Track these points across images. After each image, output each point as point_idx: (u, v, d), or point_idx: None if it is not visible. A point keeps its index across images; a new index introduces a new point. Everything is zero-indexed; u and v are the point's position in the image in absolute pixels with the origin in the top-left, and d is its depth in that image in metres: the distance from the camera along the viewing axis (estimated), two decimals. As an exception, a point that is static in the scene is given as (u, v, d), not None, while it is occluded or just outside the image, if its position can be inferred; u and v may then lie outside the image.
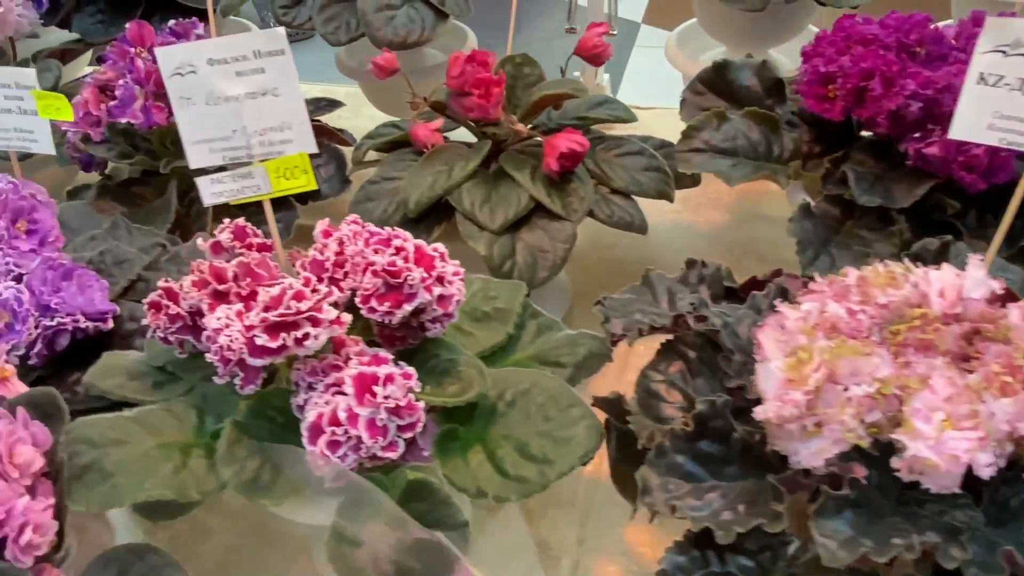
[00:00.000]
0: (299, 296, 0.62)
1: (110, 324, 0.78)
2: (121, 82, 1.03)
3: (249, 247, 0.72)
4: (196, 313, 0.68)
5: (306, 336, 0.61)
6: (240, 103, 0.69)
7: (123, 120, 1.01)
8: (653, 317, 0.77)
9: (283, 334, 0.61)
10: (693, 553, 0.58)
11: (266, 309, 0.63)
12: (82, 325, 0.76)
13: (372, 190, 1.01)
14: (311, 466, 0.62)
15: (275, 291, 0.62)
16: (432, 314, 0.67)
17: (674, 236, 1.27)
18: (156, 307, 0.69)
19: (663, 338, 0.73)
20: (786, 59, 1.40)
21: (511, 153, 0.98)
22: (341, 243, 0.70)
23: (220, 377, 0.63)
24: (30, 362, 0.75)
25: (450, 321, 0.69)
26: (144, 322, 0.77)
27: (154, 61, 1.04)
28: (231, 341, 0.62)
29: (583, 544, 0.85)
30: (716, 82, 0.99)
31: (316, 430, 0.62)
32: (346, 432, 0.61)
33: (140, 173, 1.13)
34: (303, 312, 0.61)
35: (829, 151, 0.94)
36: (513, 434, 0.67)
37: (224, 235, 0.71)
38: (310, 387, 0.65)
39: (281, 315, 0.61)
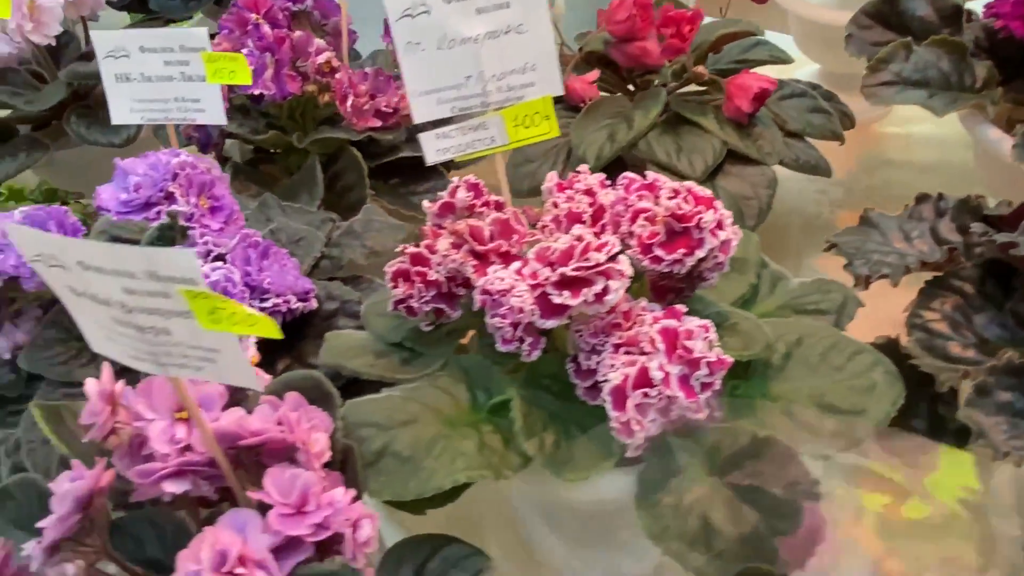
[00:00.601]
0: (589, 249, 0.56)
1: (313, 303, 0.72)
2: (246, 52, 0.95)
3: (487, 205, 0.66)
4: (450, 279, 0.62)
5: (605, 291, 0.56)
6: (478, 44, 0.62)
7: (255, 92, 0.94)
8: (897, 256, 0.72)
9: (584, 289, 0.55)
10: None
11: (551, 265, 0.57)
12: (293, 305, 0.69)
13: (529, 151, 0.94)
14: (615, 434, 0.56)
15: (563, 244, 0.56)
16: (712, 262, 0.61)
17: (806, 186, 1.23)
18: (404, 276, 0.62)
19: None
20: None
21: (678, 100, 0.92)
22: (592, 193, 0.64)
23: (506, 343, 0.57)
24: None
25: (722, 271, 0.63)
26: (345, 300, 0.71)
27: (275, 27, 0.97)
28: (522, 302, 0.56)
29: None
30: (886, 14, 0.94)
31: (620, 393, 0.56)
32: (659, 393, 0.55)
33: (253, 152, 1.06)
34: (601, 265, 0.56)
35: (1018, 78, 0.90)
36: (804, 387, 0.62)
37: (461, 193, 0.65)
38: (594, 350, 0.59)
39: (578, 269, 0.55)
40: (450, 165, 1.00)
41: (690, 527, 0.55)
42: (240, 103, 1.02)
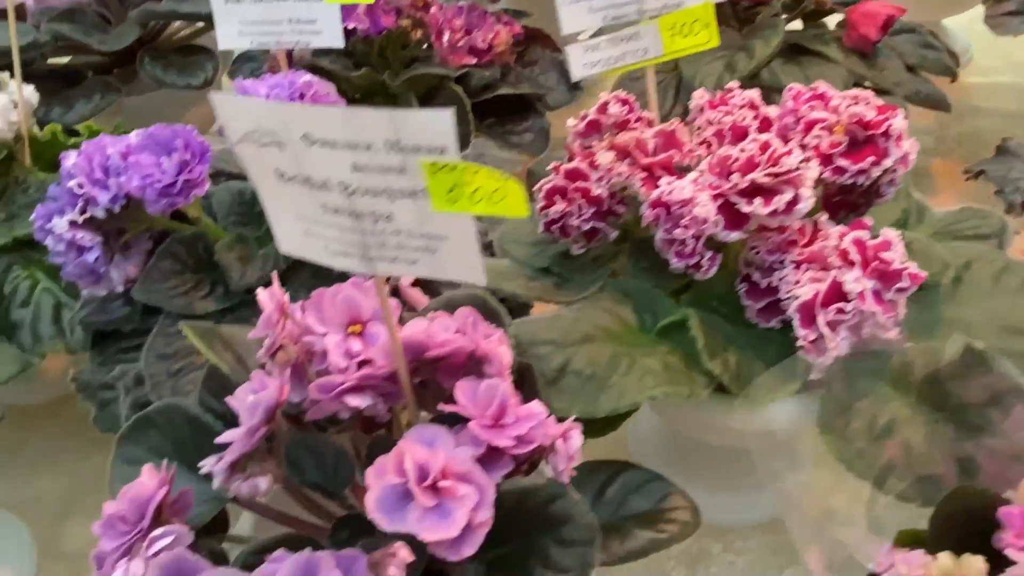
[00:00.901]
0: (777, 155, 0.53)
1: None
2: (336, -15, 0.91)
3: (640, 120, 0.62)
4: (610, 196, 0.59)
5: (795, 200, 0.52)
6: (638, -55, 0.59)
7: (349, 26, 0.90)
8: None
9: (775, 197, 0.52)
10: None
11: (733, 173, 0.53)
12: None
13: (631, 87, 0.91)
14: (802, 353, 0.53)
15: (745, 152, 0.53)
16: (891, 175, 0.58)
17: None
18: (561, 193, 0.59)
19: None
20: None
21: (792, 31, 0.89)
22: (755, 106, 0.61)
23: (684, 259, 0.54)
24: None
25: (896, 187, 0.60)
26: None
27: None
28: (706, 212, 0.52)
29: None
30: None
31: (809, 310, 0.53)
32: (854, 308, 0.52)
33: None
34: (792, 172, 0.52)
35: None
36: (981, 310, 0.59)
37: (613, 108, 0.61)
38: (770, 268, 0.56)
39: (769, 176, 0.52)
40: (545, 106, 0.97)
41: (887, 451, 0.52)
42: (323, 43, 0.98)
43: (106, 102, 0.98)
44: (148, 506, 0.45)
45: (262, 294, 0.48)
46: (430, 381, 0.50)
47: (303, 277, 0.68)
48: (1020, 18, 0.86)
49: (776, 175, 0.52)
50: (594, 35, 0.62)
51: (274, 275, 0.49)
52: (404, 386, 0.48)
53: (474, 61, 0.93)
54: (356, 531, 0.51)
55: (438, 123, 0.33)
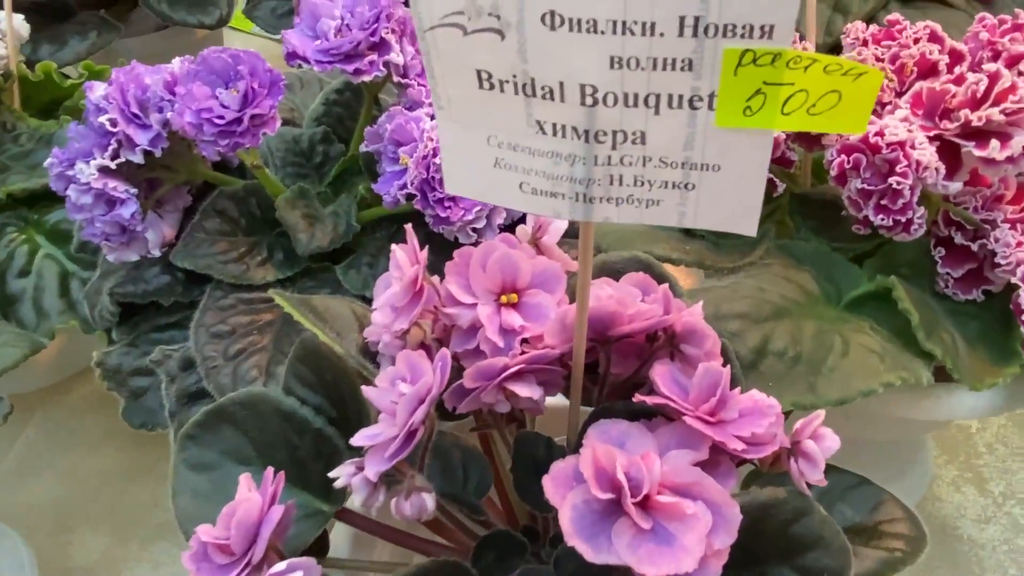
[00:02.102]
0: (1013, 89, 0.43)
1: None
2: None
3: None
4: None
5: (1032, 144, 0.43)
6: None
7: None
8: None
9: (1014, 139, 0.43)
10: None
11: (942, 113, 0.44)
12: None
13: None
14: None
15: (966, 84, 0.44)
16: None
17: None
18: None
19: None
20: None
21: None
22: (939, 39, 0.51)
23: (890, 215, 0.44)
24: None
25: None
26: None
27: None
28: (927, 158, 0.43)
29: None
30: None
31: (1039, 279, 0.44)
32: (1099, 275, 0.43)
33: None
34: (1030, 108, 0.43)
35: None
36: None
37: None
38: (974, 230, 0.47)
39: (1007, 112, 0.42)
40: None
41: None
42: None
43: (104, 40, 0.84)
44: (260, 531, 0.34)
45: (398, 251, 0.37)
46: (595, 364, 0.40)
47: (378, 242, 0.57)
48: None
49: (1013, 112, 0.43)
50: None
51: (408, 227, 0.38)
52: (576, 370, 0.38)
53: None
54: (504, 552, 0.40)
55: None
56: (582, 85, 0.26)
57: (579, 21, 0.25)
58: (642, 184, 0.29)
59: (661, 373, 0.36)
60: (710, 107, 0.26)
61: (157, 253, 0.55)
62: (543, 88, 0.27)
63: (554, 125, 0.28)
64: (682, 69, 0.25)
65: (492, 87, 0.28)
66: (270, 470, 0.36)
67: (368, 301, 0.52)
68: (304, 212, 0.55)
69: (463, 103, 0.29)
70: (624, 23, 0.25)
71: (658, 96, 0.26)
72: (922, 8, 0.74)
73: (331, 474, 0.34)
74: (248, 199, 0.56)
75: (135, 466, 0.75)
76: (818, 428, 0.34)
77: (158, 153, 0.52)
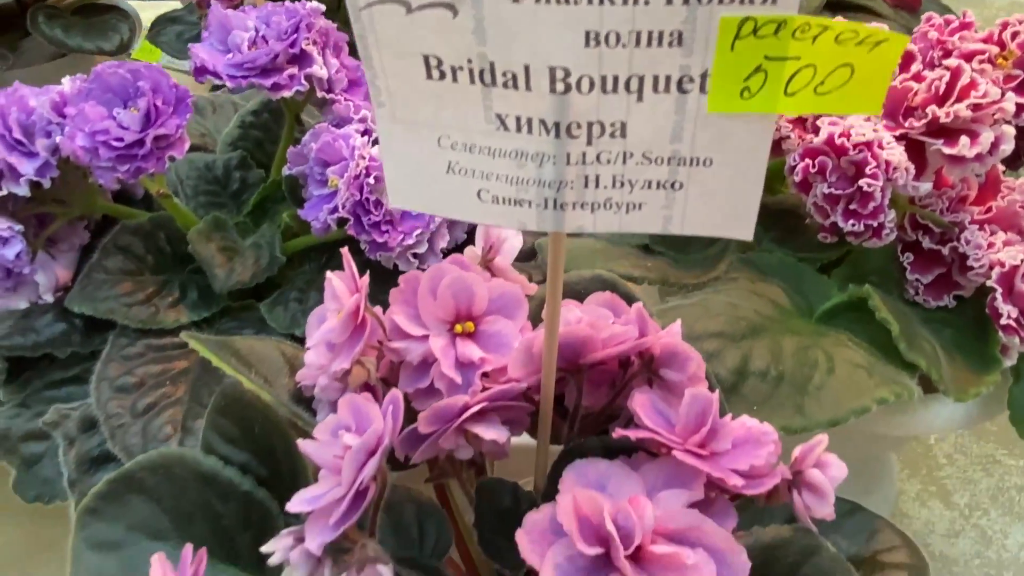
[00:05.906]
0: (974, 85, 0.41)
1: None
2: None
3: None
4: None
5: (998, 141, 0.41)
6: None
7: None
8: None
9: (980, 137, 0.40)
10: None
11: (905, 111, 0.42)
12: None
13: None
14: (1003, 334, 0.42)
15: (926, 82, 0.41)
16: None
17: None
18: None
19: None
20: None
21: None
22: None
23: (859, 219, 0.42)
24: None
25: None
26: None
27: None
28: (896, 158, 0.40)
29: None
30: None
31: (1009, 280, 0.42)
32: (1074, 273, 0.41)
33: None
34: (995, 104, 0.41)
35: None
36: None
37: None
38: (942, 232, 0.45)
39: (972, 107, 0.40)
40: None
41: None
42: None
43: (-13, 72, 0.77)
44: (178, 626, 0.28)
45: (334, 280, 0.32)
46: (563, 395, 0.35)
47: (307, 275, 0.52)
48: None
49: (978, 107, 0.41)
50: None
51: (344, 251, 0.33)
52: (545, 405, 0.33)
53: None
54: (470, 621, 0.35)
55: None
56: (552, 68, 0.22)
57: (549, -11, 0.21)
58: (622, 185, 0.25)
59: (642, 403, 0.32)
60: (702, 90, 0.22)
61: (50, 298, 0.48)
62: (505, 74, 0.23)
63: (518, 119, 0.24)
64: (670, 44, 0.22)
65: (443, 76, 0.24)
66: (189, 546, 0.30)
67: (299, 340, 0.46)
68: (221, 245, 0.49)
69: (408, 97, 0.25)
70: (607, -11, 0.21)
71: (641, 78, 0.22)
72: (851, 17, 0.74)
73: (264, 549, 0.28)
74: (155, 233, 0.50)
75: (36, 543, 0.66)
76: (821, 455, 0.31)
77: (47, 184, 0.45)
